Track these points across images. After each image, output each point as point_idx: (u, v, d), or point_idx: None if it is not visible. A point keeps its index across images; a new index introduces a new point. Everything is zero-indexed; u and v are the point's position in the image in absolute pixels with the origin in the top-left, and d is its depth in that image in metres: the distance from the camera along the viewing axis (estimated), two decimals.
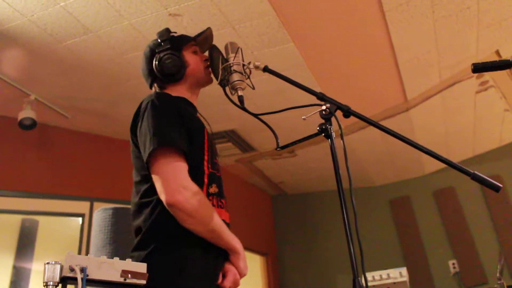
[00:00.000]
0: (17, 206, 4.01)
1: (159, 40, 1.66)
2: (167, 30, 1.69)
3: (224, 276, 1.45)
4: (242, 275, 1.49)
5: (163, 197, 1.33)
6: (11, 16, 2.96)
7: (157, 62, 1.61)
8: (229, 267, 1.47)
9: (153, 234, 1.38)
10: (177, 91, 1.64)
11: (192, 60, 1.68)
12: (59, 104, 4.09)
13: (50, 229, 4.30)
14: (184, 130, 1.44)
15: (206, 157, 1.49)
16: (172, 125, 1.42)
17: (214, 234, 1.40)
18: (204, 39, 1.77)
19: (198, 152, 1.47)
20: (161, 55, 1.62)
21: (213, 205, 1.46)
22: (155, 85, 1.69)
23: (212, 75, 1.68)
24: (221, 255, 1.46)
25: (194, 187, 1.36)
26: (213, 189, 1.48)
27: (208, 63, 1.67)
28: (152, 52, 1.67)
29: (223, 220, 1.47)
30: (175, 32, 1.73)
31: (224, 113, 4.23)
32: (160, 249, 1.36)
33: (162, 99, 1.49)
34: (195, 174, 1.41)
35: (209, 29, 1.77)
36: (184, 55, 1.66)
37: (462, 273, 5.57)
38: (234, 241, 1.46)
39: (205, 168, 1.48)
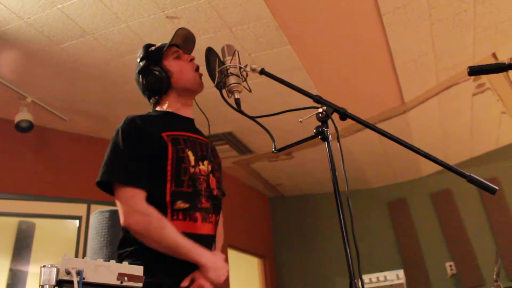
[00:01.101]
0: (14, 208, 4.00)
1: (138, 61, 1.73)
2: (146, 47, 1.75)
3: (192, 282, 1.49)
4: (215, 284, 1.50)
5: (120, 220, 1.51)
6: (7, 18, 2.96)
7: (141, 82, 1.71)
8: (198, 275, 1.48)
9: (126, 243, 1.55)
10: (169, 102, 1.71)
11: (175, 67, 1.71)
12: (56, 107, 4.08)
13: (47, 232, 4.29)
14: (138, 158, 1.54)
15: (168, 177, 1.54)
16: (124, 157, 1.54)
17: (171, 251, 1.47)
18: (183, 40, 1.79)
19: (158, 174, 1.55)
20: (142, 74, 1.70)
21: (180, 219, 1.52)
22: (151, 101, 1.76)
23: (203, 77, 1.72)
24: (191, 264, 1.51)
25: (144, 209, 1.49)
26: (179, 205, 1.54)
27: (196, 65, 1.72)
28: (138, 74, 1.74)
29: (193, 234, 1.52)
30: (154, 45, 1.77)
31: (221, 116, 4.23)
32: (133, 251, 1.51)
33: (124, 127, 1.59)
34: (157, 195, 1.53)
35: (180, 29, 1.78)
36: (165, 65, 1.70)
37: (459, 275, 5.57)
38: (196, 256, 1.48)
39: (167, 188, 1.54)
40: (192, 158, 1.61)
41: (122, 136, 1.57)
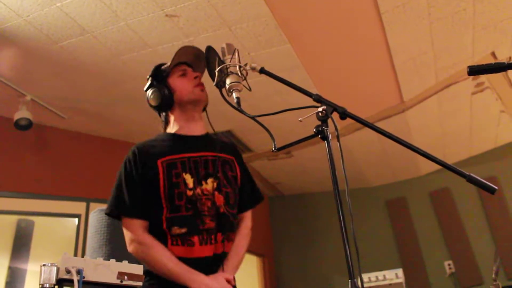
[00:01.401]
0: (13, 206, 4.00)
1: (147, 78, 1.82)
2: (157, 67, 1.84)
3: None
4: None
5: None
6: (7, 16, 2.96)
7: (147, 99, 1.79)
8: None
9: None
10: (175, 119, 1.80)
11: (178, 84, 1.78)
12: (56, 105, 4.08)
13: (46, 230, 4.29)
14: (134, 190, 1.65)
15: (163, 204, 1.63)
16: (122, 190, 1.66)
17: (167, 277, 1.55)
18: (194, 57, 1.84)
19: (155, 202, 1.64)
20: (148, 92, 1.79)
21: (178, 245, 1.60)
22: (161, 119, 1.86)
23: (204, 90, 1.79)
24: None
25: (140, 239, 1.61)
26: (176, 231, 1.60)
27: (198, 80, 1.79)
28: (145, 91, 1.82)
29: (190, 259, 1.58)
30: (165, 63, 1.85)
31: (221, 114, 4.21)
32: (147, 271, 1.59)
33: (126, 160, 1.71)
34: (155, 222, 1.63)
35: (191, 47, 1.84)
36: (170, 82, 1.78)
37: (458, 273, 5.58)
38: (188, 281, 1.54)
39: (163, 215, 1.62)
40: (190, 180, 1.65)
41: (124, 169, 1.70)
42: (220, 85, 1.51)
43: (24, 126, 3.83)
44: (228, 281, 1.59)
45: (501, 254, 4.89)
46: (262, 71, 1.47)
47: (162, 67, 1.84)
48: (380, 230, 6.21)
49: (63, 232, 4.38)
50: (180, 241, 1.60)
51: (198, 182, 1.66)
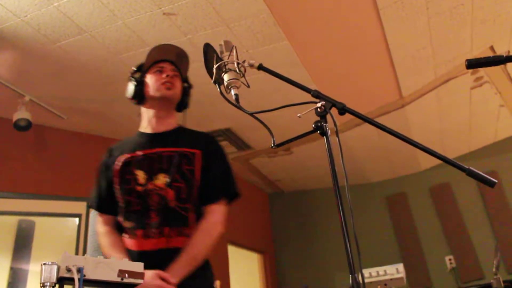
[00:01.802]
0: (14, 207, 4.00)
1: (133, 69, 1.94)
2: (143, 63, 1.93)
3: None
4: None
5: None
6: (4, 16, 2.95)
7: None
8: None
9: None
10: (146, 115, 1.91)
11: (151, 80, 1.86)
12: (55, 105, 4.07)
13: (47, 230, 4.29)
14: (101, 186, 1.85)
15: (119, 200, 1.78)
16: (96, 188, 1.89)
17: None
18: (173, 55, 1.91)
19: (116, 198, 1.79)
20: (128, 84, 1.91)
21: (127, 238, 1.73)
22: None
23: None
24: None
25: (100, 230, 1.83)
26: (126, 225, 1.74)
27: (168, 78, 1.86)
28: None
29: (135, 251, 1.68)
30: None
31: (220, 112, 4.23)
32: None
33: (102, 159, 1.90)
34: (119, 216, 1.80)
35: (167, 45, 1.94)
36: (146, 77, 1.88)
37: (458, 268, 5.59)
38: None
39: (121, 210, 1.78)
40: (141, 176, 1.74)
41: (98, 168, 1.89)
42: (219, 82, 1.51)
43: (24, 126, 3.83)
44: (165, 279, 1.54)
45: (501, 248, 4.90)
46: (261, 67, 1.47)
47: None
48: (381, 226, 6.21)
49: (64, 232, 4.39)
50: (129, 235, 1.71)
51: (149, 177, 1.73)
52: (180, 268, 1.61)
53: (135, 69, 1.92)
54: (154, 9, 3.00)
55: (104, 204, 1.85)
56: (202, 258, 1.70)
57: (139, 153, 1.80)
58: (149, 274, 1.52)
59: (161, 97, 1.84)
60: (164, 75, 1.86)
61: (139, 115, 1.95)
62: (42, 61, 3.46)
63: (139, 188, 1.73)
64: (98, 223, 1.86)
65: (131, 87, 1.87)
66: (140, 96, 1.86)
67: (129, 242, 1.71)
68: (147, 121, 1.90)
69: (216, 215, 1.79)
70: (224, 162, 1.89)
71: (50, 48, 3.31)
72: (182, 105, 1.95)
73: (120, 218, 1.77)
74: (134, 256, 1.64)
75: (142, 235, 1.67)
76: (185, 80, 1.98)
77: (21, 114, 3.80)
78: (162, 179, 1.73)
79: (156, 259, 1.60)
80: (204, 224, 1.73)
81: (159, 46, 1.91)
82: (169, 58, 1.91)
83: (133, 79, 1.87)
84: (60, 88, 3.86)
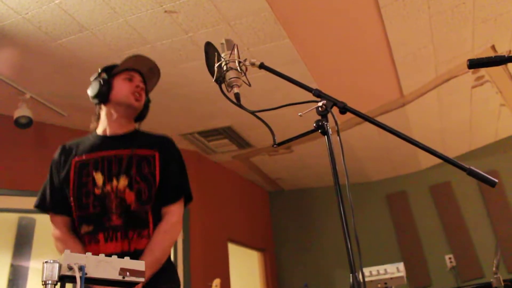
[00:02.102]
0: (14, 204, 4.00)
1: (99, 70, 1.94)
2: (112, 65, 1.96)
3: None
4: None
5: None
6: (5, 14, 2.95)
7: (89, 86, 1.91)
8: None
9: None
10: (105, 114, 1.90)
11: (119, 85, 1.86)
12: (55, 102, 4.07)
13: (47, 227, 4.27)
14: (54, 187, 1.79)
15: (72, 203, 1.71)
16: (47, 188, 1.82)
17: None
18: (148, 70, 1.93)
19: (70, 200, 1.73)
20: (92, 82, 1.92)
21: (86, 243, 1.66)
22: (96, 109, 1.98)
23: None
24: None
25: (57, 235, 1.73)
26: (84, 229, 1.68)
27: (138, 89, 1.86)
28: (91, 81, 1.94)
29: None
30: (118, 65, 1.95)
31: (221, 110, 4.22)
32: None
33: (53, 157, 1.86)
34: (72, 220, 1.74)
35: (143, 57, 1.94)
36: (114, 81, 1.87)
37: (458, 267, 5.60)
38: None
39: (74, 213, 1.71)
40: (99, 178, 1.70)
41: (50, 167, 1.85)
42: (220, 80, 1.51)
43: (24, 124, 3.83)
44: None
45: (501, 247, 4.91)
46: (262, 66, 1.47)
47: (116, 67, 1.93)
48: (381, 224, 6.22)
49: None
50: (88, 239, 1.65)
51: (108, 180, 1.70)
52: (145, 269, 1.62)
53: (101, 70, 1.93)
54: (155, 7, 3.00)
55: (59, 204, 1.76)
56: (165, 259, 1.70)
57: (97, 154, 1.78)
58: None
59: (129, 105, 1.85)
60: (134, 85, 1.87)
61: (95, 115, 1.96)
62: (43, 58, 3.46)
63: (97, 191, 1.69)
64: (53, 226, 1.77)
65: (96, 86, 1.86)
66: (103, 97, 1.86)
67: (90, 247, 1.65)
68: (106, 123, 1.89)
69: (175, 216, 1.78)
70: (180, 164, 1.90)
71: (51, 46, 3.31)
72: (141, 116, 1.97)
73: (76, 224, 1.71)
74: None
75: (103, 238, 1.62)
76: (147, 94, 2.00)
77: (22, 111, 3.80)
78: (122, 182, 1.70)
79: None
80: (164, 225, 1.73)
81: (136, 56, 1.93)
82: (141, 70, 1.94)
83: (100, 78, 1.87)
84: (61, 86, 3.86)
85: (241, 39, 3.35)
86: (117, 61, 2.03)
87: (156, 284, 1.61)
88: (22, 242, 4.04)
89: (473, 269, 5.48)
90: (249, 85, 1.50)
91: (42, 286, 0.98)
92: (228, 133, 4.93)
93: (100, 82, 1.86)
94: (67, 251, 0.99)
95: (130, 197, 1.68)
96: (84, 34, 3.21)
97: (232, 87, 1.46)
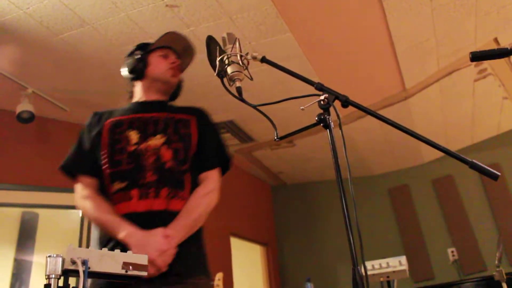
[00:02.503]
0: (17, 199, 4.01)
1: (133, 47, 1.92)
2: (145, 43, 1.93)
3: None
4: None
5: None
6: (6, 9, 2.95)
7: (124, 63, 1.89)
8: None
9: None
10: (140, 90, 1.86)
11: (155, 61, 1.85)
12: (57, 97, 4.08)
13: (50, 222, 4.31)
14: (84, 149, 1.74)
15: (104, 160, 1.66)
16: (75, 150, 1.78)
17: (103, 229, 1.59)
18: (183, 49, 1.91)
19: (100, 159, 1.68)
20: (127, 57, 1.89)
21: (117, 201, 1.60)
22: (130, 86, 1.94)
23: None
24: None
25: (83, 193, 1.66)
26: (116, 186, 1.62)
27: (174, 65, 1.85)
28: (125, 58, 1.92)
29: (128, 214, 1.56)
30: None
31: (223, 104, 4.22)
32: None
33: (87, 121, 1.81)
34: (102, 179, 1.67)
35: (178, 35, 1.91)
36: (149, 57, 1.85)
37: (461, 261, 5.60)
38: (116, 232, 1.52)
39: (105, 170, 1.66)
40: (135, 137, 1.67)
41: (80, 131, 1.80)
42: (222, 75, 1.50)
43: (27, 119, 3.84)
44: (167, 237, 1.50)
45: (504, 241, 4.91)
46: (264, 60, 1.46)
47: (150, 45, 1.90)
48: (383, 218, 6.22)
49: (67, 224, 4.41)
50: (119, 197, 1.59)
51: (143, 138, 1.66)
52: (180, 230, 1.56)
53: (135, 47, 1.91)
54: (156, 1, 2.99)
55: (88, 165, 1.70)
56: (200, 224, 1.67)
57: (132, 116, 1.75)
58: (151, 233, 1.50)
59: (165, 81, 1.84)
60: (170, 61, 1.85)
61: (129, 92, 1.92)
62: (45, 53, 3.45)
63: (131, 148, 1.65)
64: (78, 188, 1.69)
65: (132, 62, 1.84)
66: (140, 73, 1.83)
67: (121, 205, 1.58)
68: (140, 95, 1.86)
69: (213, 182, 1.75)
70: (218, 133, 1.89)
71: (52, 40, 3.31)
72: (174, 96, 1.96)
73: (107, 182, 1.64)
74: (128, 218, 1.54)
75: (137, 195, 1.57)
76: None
77: (24, 106, 3.81)
78: (158, 140, 1.67)
79: (151, 222, 1.53)
80: (202, 189, 1.69)
81: (171, 33, 1.89)
82: (176, 48, 1.91)
83: (135, 55, 1.85)
84: (63, 80, 3.86)
85: (242, 33, 3.34)
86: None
87: (192, 271, 1.58)
88: (25, 237, 4.06)
89: (476, 263, 5.49)
90: (251, 79, 1.50)
91: (46, 280, 0.99)
92: (230, 127, 4.93)
93: (136, 58, 1.84)
94: (71, 245, 0.99)
95: (167, 155, 1.64)
96: (85, 28, 3.21)
97: (234, 81, 1.46)
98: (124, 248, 1.42)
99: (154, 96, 1.85)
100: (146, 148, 1.64)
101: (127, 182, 1.59)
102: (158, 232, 1.50)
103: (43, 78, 3.80)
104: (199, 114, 1.86)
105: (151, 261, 1.41)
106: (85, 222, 4.20)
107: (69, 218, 4.41)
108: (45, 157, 4.25)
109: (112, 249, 1.12)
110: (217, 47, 1.54)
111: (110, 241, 1.56)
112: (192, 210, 1.63)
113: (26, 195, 4.05)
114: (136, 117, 1.73)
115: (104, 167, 1.65)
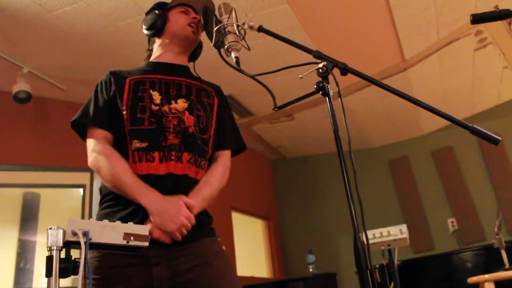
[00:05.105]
0: (18, 179, 4.02)
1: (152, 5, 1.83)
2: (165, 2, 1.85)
3: None
4: (163, 230, 1.42)
5: None
6: None
7: (144, 20, 1.80)
8: (149, 220, 1.45)
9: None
10: (160, 48, 1.80)
11: (175, 17, 1.78)
12: (53, 76, 4.04)
13: (52, 201, 4.33)
14: (100, 102, 1.62)
15: (124, 116, 1.57)
16: (90, 103, 1.64)
17: (121, 191, 1.48)
18: (200, 5, 1.80)
19: (118, 115, 1.59)
20: (147, 13, 1.82)
21: (137, 161, 1.52)
22: (149, 43, 1.87)
23: (197, 33, 1.77)
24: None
25: (100, 148, 1.54)
26: (136, 145, 1.52)
27: (195, 20, 1.76)
28: (145, 15, 1.84)
29: (150, 175, 1.49)
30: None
31: (220, 79, 4.16)
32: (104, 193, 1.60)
33: (101, 80, 1.68)
34: (119, 135, 1.57)
35: None
36: (169, 14, 1.79)
37: (461, 231, 5.65)
38: (138, 196, 1.44)
39: (125, 128, 1.56)
40: (157, 97, 1.60)
41: (95, 88, 1.68)
42: (218, 45, 1.49)
43: (24, 99, 3.82)
44: (189, 207, 1.47)
45: (503, 210, 4.94)
46: (261, 29, 1.45)
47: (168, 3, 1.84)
48: (383, 190, 6.25)
49: (69, 203, 4.43)
50: (140, 156, 1.52)
51: (166, 101, 1.60)
52: (201, 201, 1.53)
53: (155, 5, 1.84)
54: None
55: (104, 118, 1.60)
56: (216, 195, 1.63)
57: (154, 76, 1.68)
58: (173, 199, 1.46)
59: (185, 36, 1.76)
60: (191, 17, 1.78)
61: (148, 50, 1.87)
62: (39, 31, 3.41)
63: (154, 107, 1.58)
64: (91, 143, 1.58)
65: (151, 18, 1.77)
66: (159, 29, 1.76)
67: (140, 165, 1.51)
68: (160, 52, 1.79)
69: (228, 162, 1.74)
70: (231, 114, 1.87)
71: (46, 17, 3.26)
72: (194, 55, 1.89)
73: (127, 139, 1.55)
74: (146, 181, 1.48)
75: (158, 157, 1.51)
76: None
77: (20, 86, 3.78)
78: (181, 104, 1.61)
79: (171, 186, 1.50)
80: (221, 166, 1.68)
81: None
82: (196, 6, 1.83)
83: (154, 11, 1.79)
84: (58, 58, 3.82)
85: (239, 4, 3.29)
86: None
87: (202, 235, 1.55)
88: (28, 217, 4.08)
89: (475, 233, 5.54)
90: (248, 49, 1.48)
91: (48, 252, 0.99)
92: (229, 101, 4.91)
93: (155, 14, 1.77)
94: (72, 217, 0.99)
95: (189, 120, 1.59)
96: (79, 5, 3.16)
97: (231, 51, 1.44)
98: (143, 214, 1.44)
99: (174, 56, 1.78)
100: (168, 110, 1.58)
101: (148, 143, 1.52)
102: (181, 203, 1.46)
103: (39, 57, 3.76)
104: (219, 90, 1.83)
105: (170, 233, 1.41)
106: (86, 201, 4.22)
107: (70, 196, 4.43)
108: (45, 137, 4.25)
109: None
110: (213, 18, 1.52)
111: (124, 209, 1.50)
112: (213, 183, 1.60)
113: (26, 175, 4.06)
114: (158, 78, 1.67)
115: (124, 123, 1.56)
